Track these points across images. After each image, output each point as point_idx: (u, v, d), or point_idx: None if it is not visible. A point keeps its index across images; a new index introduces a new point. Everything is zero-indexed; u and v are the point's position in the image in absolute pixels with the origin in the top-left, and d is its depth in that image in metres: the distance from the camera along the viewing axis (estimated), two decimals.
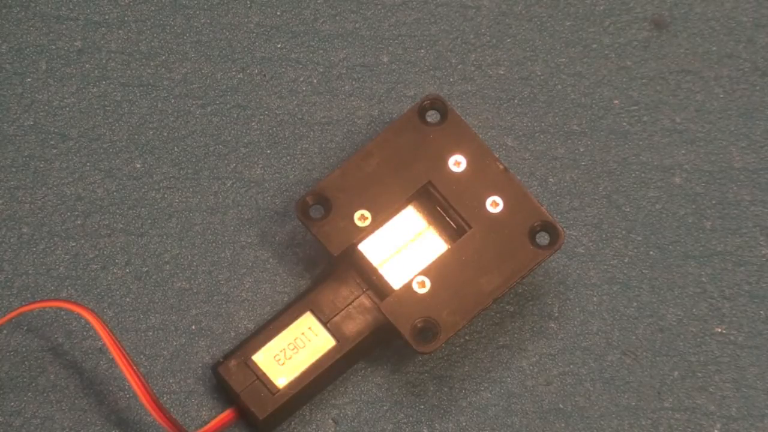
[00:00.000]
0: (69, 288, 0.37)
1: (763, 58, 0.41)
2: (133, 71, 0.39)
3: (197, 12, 0.39)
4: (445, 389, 0.38)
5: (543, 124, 0.40)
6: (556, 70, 0.40)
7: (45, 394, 0.36)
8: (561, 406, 0.38)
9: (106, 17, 0.39)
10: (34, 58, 0.38)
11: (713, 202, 0.40)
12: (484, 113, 0.40)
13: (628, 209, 0.40)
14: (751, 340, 0.39)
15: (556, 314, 0.39)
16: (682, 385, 0.39)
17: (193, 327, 0.37)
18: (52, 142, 0.38)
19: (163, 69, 0.39)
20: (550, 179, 0.40)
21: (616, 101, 0.40)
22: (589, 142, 0.40)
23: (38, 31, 0.38)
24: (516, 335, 0.39)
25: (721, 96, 0.41)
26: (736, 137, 0.41)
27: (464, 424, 0.38)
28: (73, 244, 0.37)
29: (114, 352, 0.38)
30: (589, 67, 0.41)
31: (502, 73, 0.40)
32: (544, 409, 0.38)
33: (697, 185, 0.40)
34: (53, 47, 0.38)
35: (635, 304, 0.39)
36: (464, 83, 0.40)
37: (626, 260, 0.40)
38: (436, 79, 0.40)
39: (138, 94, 0.38)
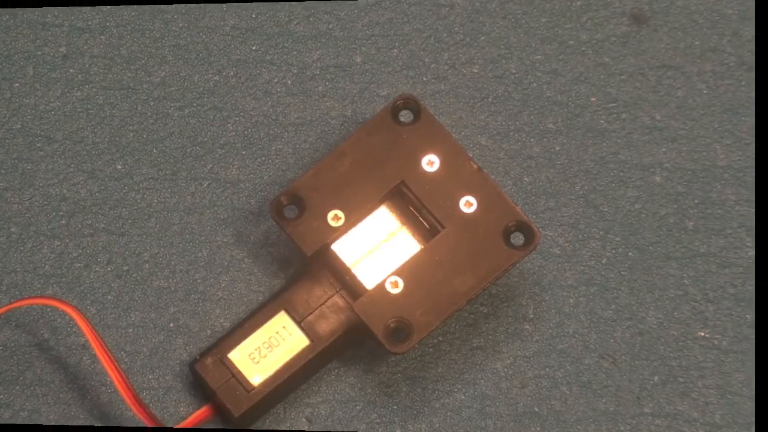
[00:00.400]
0: (54, 285, 0.35)
1: (748, 52, 0.35)
2: (115, 75, 0.36)
3: (175, 16, 0.36)
4: (418, 390, 0.34)
5: (518, 122, 0.35)
6: (531, 68, 0.36)
7: (32, 388, 0.34)
8: (536, 409, 0.33)
9: (89, 23, 0.36)
10: (22, 63, 0.36)
11: (696, 201, 0.35)
12: (458, 112, 0.36)
13: (606, 209, 0.35)
14: (736, 345, 0.34)
15: (531, 316, 0.34)
16: (663, 390, 0.33)
17: (171, 325, 0.34)
18: (38, 145, 0.35)
19: (143, 72, 0.36)
20: (525, 178, 0.35)
21: (593, 98, 0.35)
22: (565, 141, 0.35)
23: (26, 37, 0.36)
24: (490, 337, 0.34)
25: (705, 92, 0.35)
26: (720, 134, 0.35)
27: (437, 425, 0.34)
28: (58, 243, 0.35)
29: (96, 349, 0.36)
30: (566, 64, 0.36)
31: (476, 71, 0.36)
32: (519, 413, 0.33)
33: (678, 184, 0.35)
34: (39, 53, 0.36)
35: (613, 306, 0.34)
36: (437, 82, 0.36)
37: (604, 261, 0.34)
38: (409, 79, 0.36)
39: (119, 97, 0.36)
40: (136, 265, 0.35)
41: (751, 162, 0.35)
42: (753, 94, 0.35)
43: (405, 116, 0.35)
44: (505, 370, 0.34)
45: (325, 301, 0.35)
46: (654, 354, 0.34)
